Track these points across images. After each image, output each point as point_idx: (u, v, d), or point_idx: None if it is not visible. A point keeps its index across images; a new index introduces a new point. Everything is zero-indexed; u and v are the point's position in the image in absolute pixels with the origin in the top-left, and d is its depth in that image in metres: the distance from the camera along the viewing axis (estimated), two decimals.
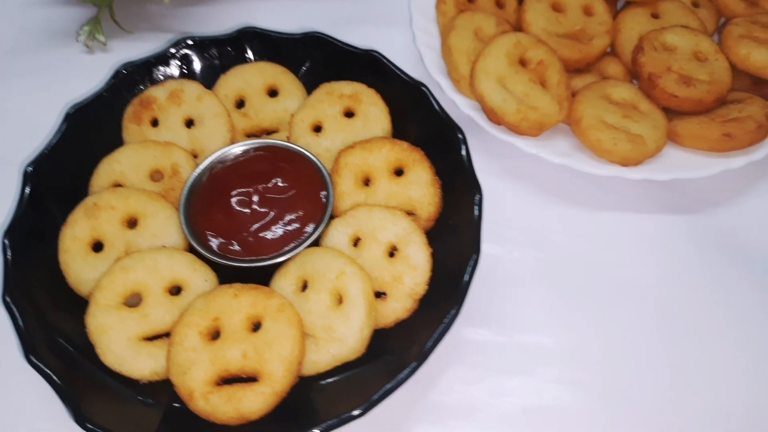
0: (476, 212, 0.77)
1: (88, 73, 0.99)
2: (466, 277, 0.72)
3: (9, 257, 0.74)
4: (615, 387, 0.77)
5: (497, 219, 0.87)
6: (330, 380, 0.71)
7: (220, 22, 1.08)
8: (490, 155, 0.93)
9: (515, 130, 0.88)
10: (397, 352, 0.71)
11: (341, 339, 0.70)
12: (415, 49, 0.98)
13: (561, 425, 0.74)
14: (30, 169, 0.80)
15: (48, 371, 0.67)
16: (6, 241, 0.75)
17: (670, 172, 0.86)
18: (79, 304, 0.74)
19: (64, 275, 0.76)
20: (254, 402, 0.65)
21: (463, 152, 0.81)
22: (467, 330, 0.79)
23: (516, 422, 0.74)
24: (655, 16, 1.01)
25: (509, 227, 0.88)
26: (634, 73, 0.95)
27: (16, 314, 0.70)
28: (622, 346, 0.80)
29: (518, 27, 0.98)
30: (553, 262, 0.86)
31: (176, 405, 0.69)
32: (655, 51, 0.92)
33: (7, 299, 0.71)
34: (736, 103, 0.91)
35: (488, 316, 0.81)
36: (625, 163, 0.86)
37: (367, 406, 0.65)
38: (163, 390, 0.70)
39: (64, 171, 0.82)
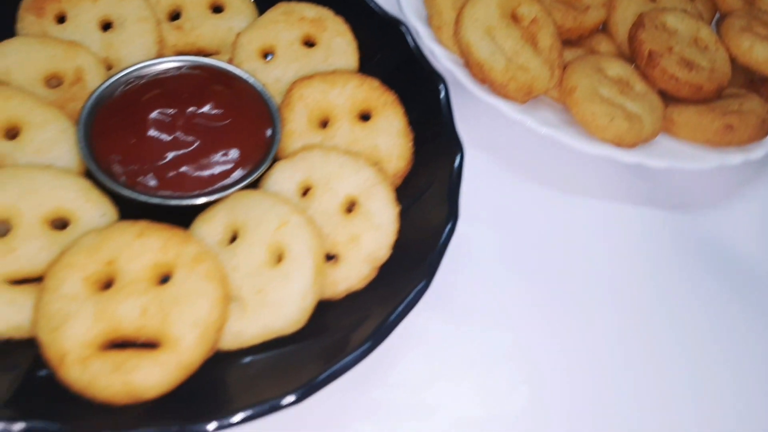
0: (455, 174, 0.64)
1: None
2: (439, 246, 0.58)
3: None
4: (579, 392, 0.65)
5: (467, 192, 0.74)
6: (257, 357, 0.54)
7: None
8: (466, 119, 0.80)
9: (501, 90, 0.76)
10: (344, 329, 0.55)
11: (276, 306, 0.54)
12: None
13: None
14: None
15: None
16: None
17: (666, 160, 0.76)
18: None
19: None
20: (151, 374, 0.48)
21: (444, 103, 0.68)
22: (424, 314, 0.65)
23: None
24: None
25: (479, 203, 0.75)
26: (628, 53, 0.85)
27: None
28: (588, 349, 0.68)
29: None
30: (524, 248, 0.74)
31: (41, 373, 0.50)
32: (656, 29, 0.82)
33: None
34: (734, 98, 0.83)
35: (448, 301, 0.67)
36: (619, 143, 0.76)
37: (303, 392, 0.50)
38: (24, 351, 0.51)
39: None
